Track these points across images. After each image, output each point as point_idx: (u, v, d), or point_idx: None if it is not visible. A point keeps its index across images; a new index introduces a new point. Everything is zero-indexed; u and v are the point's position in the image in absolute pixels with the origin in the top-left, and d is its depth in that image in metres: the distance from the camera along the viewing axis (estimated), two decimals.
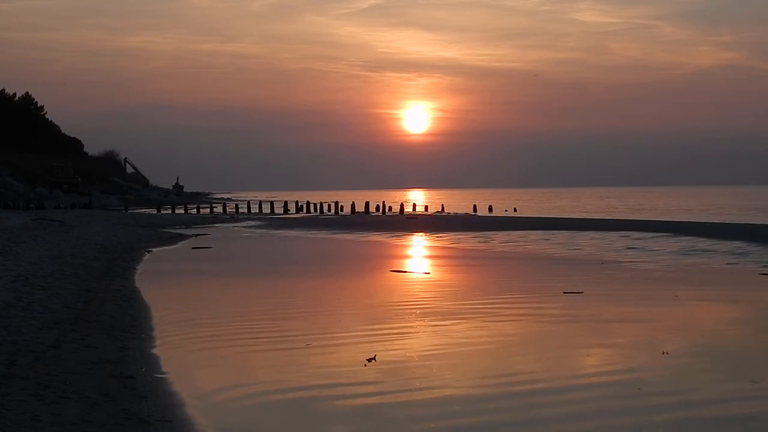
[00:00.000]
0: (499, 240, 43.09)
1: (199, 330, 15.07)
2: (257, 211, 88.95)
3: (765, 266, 26.94)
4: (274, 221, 69.52)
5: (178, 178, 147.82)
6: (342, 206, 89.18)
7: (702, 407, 9.90)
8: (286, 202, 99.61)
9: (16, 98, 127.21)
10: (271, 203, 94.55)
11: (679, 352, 12.91)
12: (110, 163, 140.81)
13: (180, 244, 40.42)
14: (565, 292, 20.01)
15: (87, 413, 8.86)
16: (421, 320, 16.30)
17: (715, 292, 21.14)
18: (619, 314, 17.09)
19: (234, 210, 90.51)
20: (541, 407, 9.84)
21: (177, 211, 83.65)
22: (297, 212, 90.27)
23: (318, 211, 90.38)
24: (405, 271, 26.68)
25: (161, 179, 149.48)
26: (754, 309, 18.18)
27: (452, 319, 16.29)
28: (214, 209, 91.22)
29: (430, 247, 39.27)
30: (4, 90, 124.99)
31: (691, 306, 18.40)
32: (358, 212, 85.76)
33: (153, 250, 35.14)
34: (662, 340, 13.81)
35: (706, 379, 11.28)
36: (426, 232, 51.01)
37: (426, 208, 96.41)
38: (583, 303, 18.43)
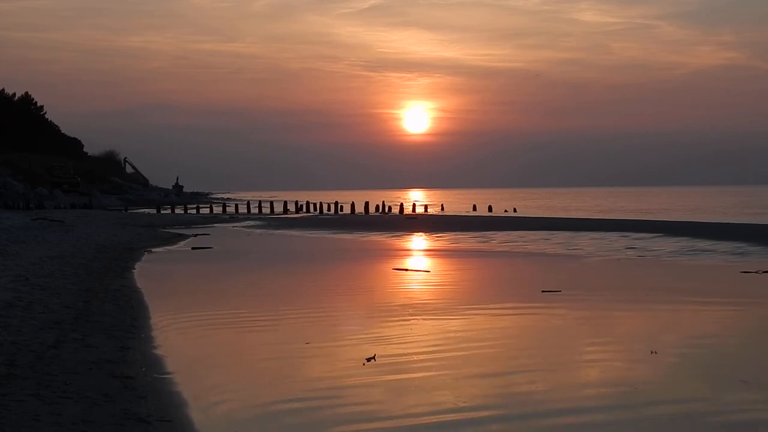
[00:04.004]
0: (498, 240, 43.11)
1: (199, 329, 15.10)
2: (257, 211, 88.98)
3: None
4: (273, 221, 69.52)
5: (177, 178, 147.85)
6: (342, 206, 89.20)
7: (698, 407, 9.92)
8: (285, 202, 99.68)
9: (16, 98, 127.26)
10: (271, 203, 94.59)
11: (668, 352, 12.91)
12: (110, 163, 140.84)
13: (180, 244, 40.44)
14: (543, 291, 20.08)
15: (87, 413, 8.87)
16: (420, 317, 16.33)
17: (698, 291, 21.10)
18: (606, 313, 17.16)
19: (234, 210, 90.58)
20: (537, 405, 9.86)
21: (177, 211, 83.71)
22: (297, 212, 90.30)
23: (318, 211, 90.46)
24: (407, 270, 26.77)
25: (161, 179, 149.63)
26: (740, 308, 18.17)
27: (450, 317, 16.40)
28: (214, 209, 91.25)
29: (430, 247, 39.28)
30: (3, 90, 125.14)
31: (673, 305, 18.36)
32: (358, 212, 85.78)
33: (153, 249, 35.16)
34: (649, 339, 13.84)
35: (699, 379, 11.30)
36: (426, 232, 51.04)
37: (426, 208, 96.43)
38: (566, 302, 18.46)
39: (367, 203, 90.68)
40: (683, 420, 9.42)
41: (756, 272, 24.60)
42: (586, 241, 41.17)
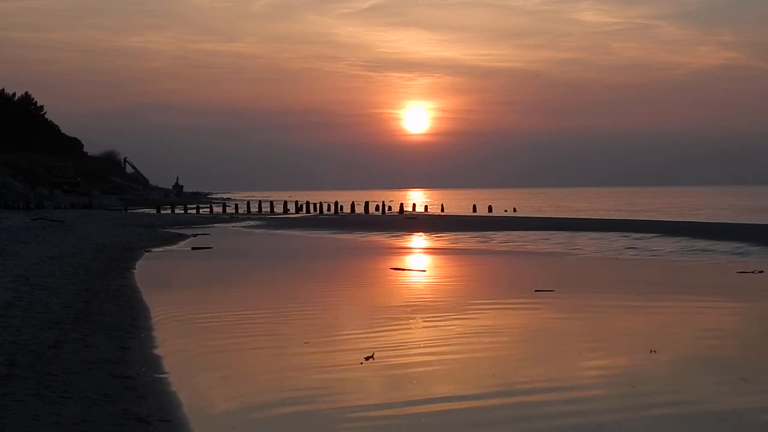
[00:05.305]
0: (498, 240, 43.12)
1: (199, 329, 15.13)
2: (257, 210, 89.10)
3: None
4: (273, 221, 69.55)
5: (177, 178, 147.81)
6: (342, 206, 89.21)
7: (699, 405, 9.94)
8: (285, 202, 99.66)
9: (16, 98, 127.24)
10: (271, 203, 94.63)
11: (667, 351, 12.94)
12: (110, 163, 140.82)
13: (180, 243, 40.48)
14: (536, 290, 20.14)
15: (87, 413, 8.90)
16: (417, 317, 16.37)
17: (695, 290, 21.11)
18: (601, 313, 17.18)
19: (234, 210, 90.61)
20: (536, 405, 9.88)
21: (177, 211, 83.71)
22: (296, 212, 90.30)
23: (318, 211, 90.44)
24: (404, 269, 26.84)
25: (161, 179, 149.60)
26: (736, 307, 18.21)
27: (446, 316, 16.45)
28: (214, 209, 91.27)
29: (430, 247, 39.30)
30: (3, 90, 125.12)
31: (670, 304, 18.38)
32: (358, 212, 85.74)
33: (153, 249, 35.20)
34: (646, 339, 13.86)
35: (699, 378, 11.34)
36: (425, 232, 51.05)
37: (426, 207, 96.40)
38: (558, 302, 18.50)
39: (367, 203, 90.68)
40: (684, 418, 9.44)
41: (752, 272, 24.62)
42: (585, 241, 41.18)
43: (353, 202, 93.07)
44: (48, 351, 11.79)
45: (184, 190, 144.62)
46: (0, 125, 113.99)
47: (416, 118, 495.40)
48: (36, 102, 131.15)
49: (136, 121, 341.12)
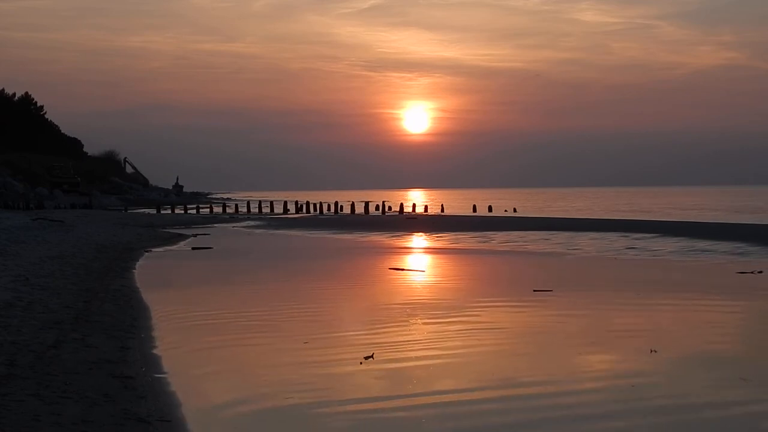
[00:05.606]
0: (498, 240, 43.12)
1: (198, 329, 15.13)
2: (257, 211, 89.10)
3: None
4: (273, 221, 69.56)
5: (177, 178, 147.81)
6: (342, 206, 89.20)
7: (697, 405, 9.95)
8: (285, 202, 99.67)
9: (16, 98, 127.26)
10: (271, 203, 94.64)
11: (667, 350, 12.94)
12: (110, 163, 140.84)
13: (180, 243, 40.49)
14: (534, 290, 20.15)
15: (87, 413, 8.90)
16: (416, 316, 16.38)
17: (694, 290, 21.11)
18: (601, 312, 17.18)
19: (234, 210, 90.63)
20: (535, 403, 9.88)
21: (177, 211, 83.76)
22: (297, 212, 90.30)
23: (318, 211, 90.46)
24: (403, 269, 26.84)
25: (161, 179, 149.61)
26: (736, 307, 18.23)
27: (445, 315, 16.45)
28: (214, 209, 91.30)
29: (430, 247, 39.30)
30: (3, 90, 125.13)
31: (669, 304, 18.38)
32: (358, 212, 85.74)
33: (153, 249, 35.20)
34: (646, 338, 13.88)
35: (698, 377, 11.35)
36: (426, 233, 51.05)
37: (426, 208, 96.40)
38: (557, 302, 18.51)
39: (367, 203, 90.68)
40: (683, 416, 9.46)
41: (752, 272, 24.63)
42: (585, 241, 41.19)
43: (353, 203, 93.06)
44: (48, 351, 11.79)
45: (184, 190, 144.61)
46: (0, 125, 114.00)
47: (416, 118, 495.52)
48: (36, 102, 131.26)
49: (136, 121, 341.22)
